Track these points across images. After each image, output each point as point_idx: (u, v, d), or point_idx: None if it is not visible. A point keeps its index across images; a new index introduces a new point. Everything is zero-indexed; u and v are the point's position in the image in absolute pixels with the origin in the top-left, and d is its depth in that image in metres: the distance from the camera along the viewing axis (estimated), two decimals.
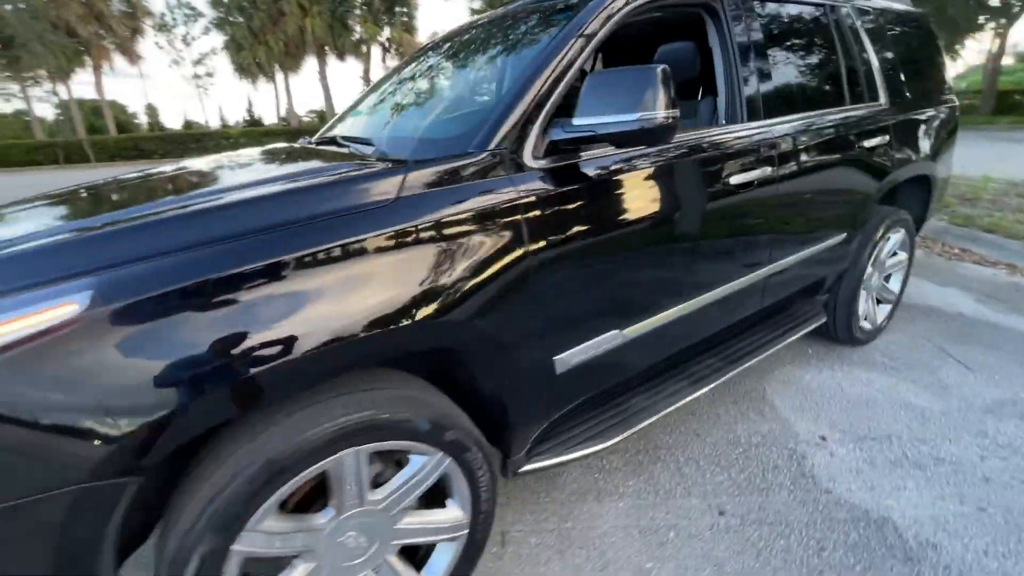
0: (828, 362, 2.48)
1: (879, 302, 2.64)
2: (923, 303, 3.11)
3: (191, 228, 0.90)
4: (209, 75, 38.32)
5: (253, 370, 0.87)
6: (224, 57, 28.32)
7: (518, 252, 1.15)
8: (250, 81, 28.76)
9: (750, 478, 1.76)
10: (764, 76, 1.74)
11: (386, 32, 26.42)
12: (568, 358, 1.32)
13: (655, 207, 1.41)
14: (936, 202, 2.76)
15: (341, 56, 27.33)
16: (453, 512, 1.24)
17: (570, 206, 1.24)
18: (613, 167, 1.33)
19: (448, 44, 1.97)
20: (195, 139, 24.84)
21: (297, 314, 0.91)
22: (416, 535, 1.21)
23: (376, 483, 1.16)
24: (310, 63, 28.09)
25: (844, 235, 2.15)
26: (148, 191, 1.42)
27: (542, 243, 1.19)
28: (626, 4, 1.39)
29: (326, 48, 26.70)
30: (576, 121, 1.20)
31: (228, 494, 0.90)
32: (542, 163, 1.23)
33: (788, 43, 1.89)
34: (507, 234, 1.13)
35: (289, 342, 0.90)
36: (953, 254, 4.04)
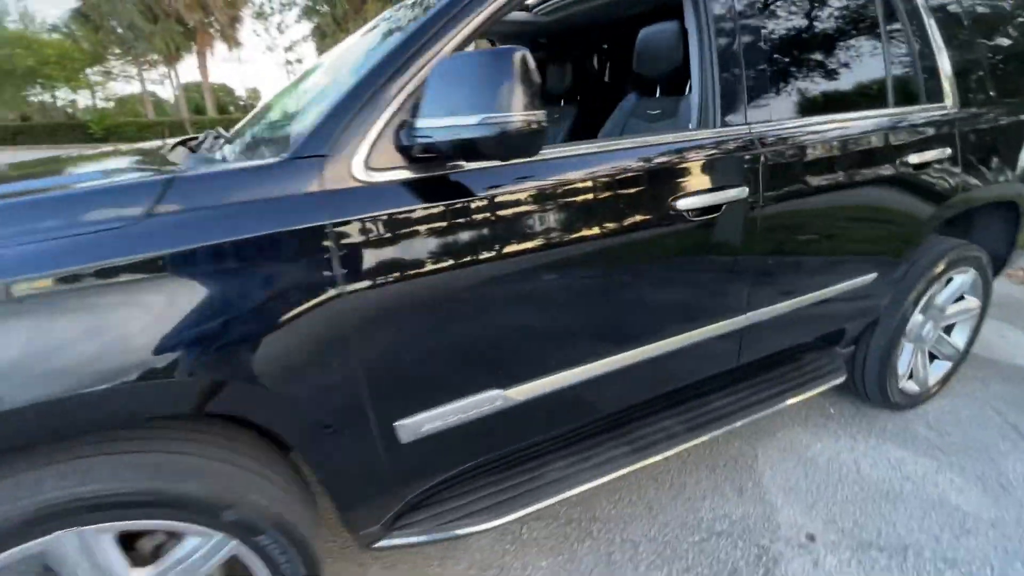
0: (851, 429, 1.98)
1: (933, 358, 2.09)
2: (1007, 360, 2.45)
3: None
4: (299, 61, 40.54)
5: None
6: (311, 45, 29.82)
7: (325, 292, 0.88)
8: None
9: None
10: (753, 66, 1.32)
11: None
12: (416, 425, 1.04)
13: (560, 233, 1.07)
14: None
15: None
16: None
17: (423, 230, 0.95)
18: (499, 181, 1.02)
19: (357, 33, 1.70)
20: None
21: None
22: None
23: (157, 555, 0.97)
24: None
25: (873, 275, 1.66)
26: None
27: (366, 281, 0.91)
28: None
29: None
30: (420, 123, 0.90)
31: None
32: (388, 175, 0.94)
33: (795, 20, 1.44)
34: (307, 267, 0.87)
35: None
36: None
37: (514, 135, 0.82)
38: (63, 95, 32.13)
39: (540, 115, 0.83)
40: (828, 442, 1.91)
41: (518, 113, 0.81)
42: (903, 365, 1.96)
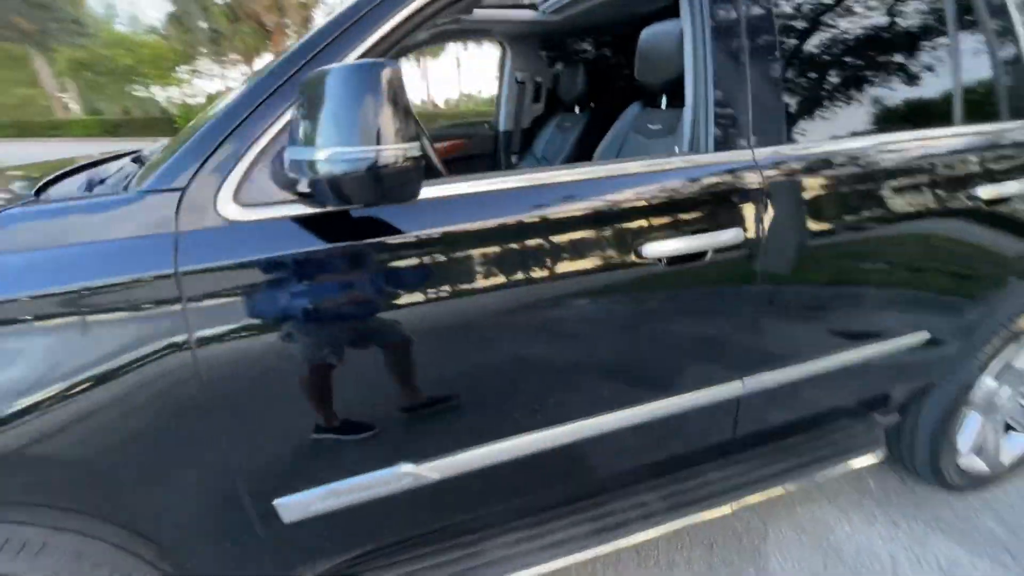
0: (892, 512, 1.64)
1: (1010, 429, 1.69)
2: None
3: None
4: None
5: None
6: None
7: (173, 352, 0.73)
8: None
9: None
10: (761, 75, 1.05)
11: None
12: (302, 504, 0.88)
13: (484, 281, 0.88)
14: None
15: (480, 44, 27.94)
16: None
17: (304, 277, 0.79)
18: (412, 219, 0.84)
19: None
20: None
21: None
22: None
23: None
24: (452, 51, 29.25)
25: (925, 336, 1.32)
26: None
27: (224, 339, 0.76)
28: None
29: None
30: (289, 154, 0.74)
31: None
32: (266, 212, 0.78)
33: (819, 15, 1.14)
34: (149, 323, 0.72)
35: None
36: None
37: (379, 174, 0.63)
38: (158, 92, 35.13)
39: (412, 148, 0.64)
40: (860, 526, 1.58)
41: (388, 146, 0.63)
42: (967, 438, 1.59)
